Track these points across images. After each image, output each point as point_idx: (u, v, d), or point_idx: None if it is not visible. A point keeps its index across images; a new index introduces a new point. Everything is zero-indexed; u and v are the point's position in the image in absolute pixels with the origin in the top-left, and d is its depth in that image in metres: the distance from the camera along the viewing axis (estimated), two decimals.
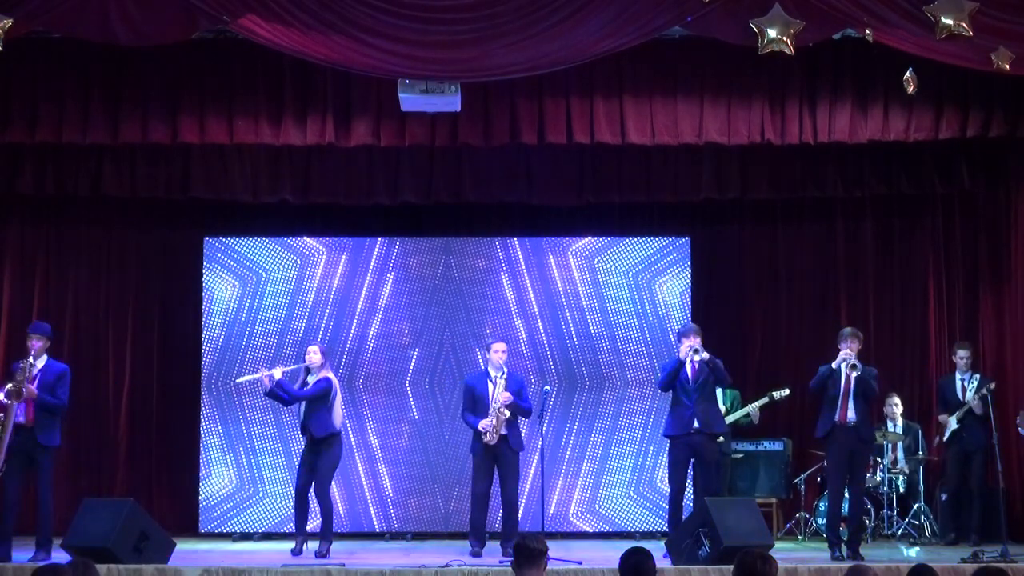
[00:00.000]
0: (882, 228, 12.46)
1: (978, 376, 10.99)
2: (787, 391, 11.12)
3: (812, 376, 10.03)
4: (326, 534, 10.01)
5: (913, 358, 12.33)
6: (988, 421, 10.61)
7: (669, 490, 10.15)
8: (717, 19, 9.22)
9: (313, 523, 10.32)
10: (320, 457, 10.05)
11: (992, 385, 10.68)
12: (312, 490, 10.09)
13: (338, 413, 10.19)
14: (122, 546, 8.80)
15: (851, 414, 9.75)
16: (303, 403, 10.13)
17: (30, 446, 9.56)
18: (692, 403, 9.93)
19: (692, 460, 9.99)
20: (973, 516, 10.79)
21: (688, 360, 9.92)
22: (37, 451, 9.61)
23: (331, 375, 10.22)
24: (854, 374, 9.72)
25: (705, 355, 9.88)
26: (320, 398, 10.05)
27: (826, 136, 10.42)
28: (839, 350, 9.88)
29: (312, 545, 10.01)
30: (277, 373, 10.20)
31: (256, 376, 10.48)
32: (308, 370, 10.24)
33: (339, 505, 11.78)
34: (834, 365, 9.82)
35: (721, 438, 10.49)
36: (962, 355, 11.08)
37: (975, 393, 10.81)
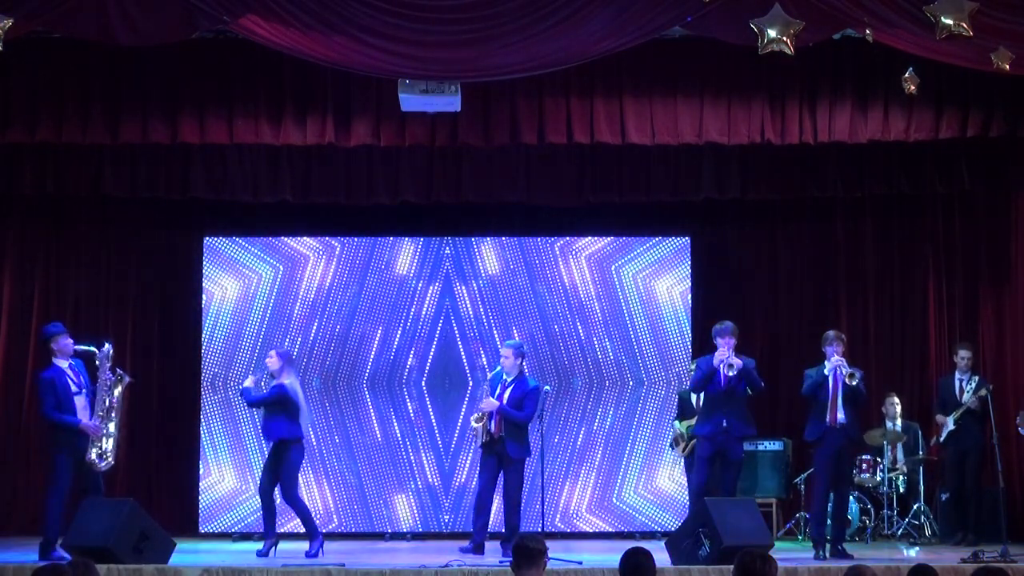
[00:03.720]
0: (882, 228, 12.46)
1: (977, 377, 10.99)
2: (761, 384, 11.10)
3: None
4: (312, 534, 9.99)
5: (913, 358, 12.33)
6: (985, 421, 10.65)
7: (689, 485, 10.18)
8: (717, 19, 9.22)
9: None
10: (280, 462, 10.07)
11: (990, 387, 10.67)
12: (281, 496, 10.13)
13: (303, 418, 10.18)
14: (122, 546, 8.80)
15: (841, 416, 9.82)
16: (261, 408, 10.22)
17: None
18: (722, 404, 9.97)
19: (717, 459, 10.00)
20: (970, 516, 10.80)
21: (721, 367, 9.94)
22: None
23: (288, 381, 10.11)
24: (853, 382, 9.78)
25: (738, 364, 9.88)
26: (274, 404, 10.06)
27: (826, 136, 10.42)
28: (825, 354, 9.96)
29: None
30: (248, 382, 10.24)
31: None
32: (272, 375, 10.22)
33: (337, 505, 11.83)
34: (827, 371, 9.87)
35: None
36: (963, 355, 11.08)
37: (973, 394, 10.81)
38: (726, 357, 9.90)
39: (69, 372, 9.77)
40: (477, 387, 11.67)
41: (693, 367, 10.48)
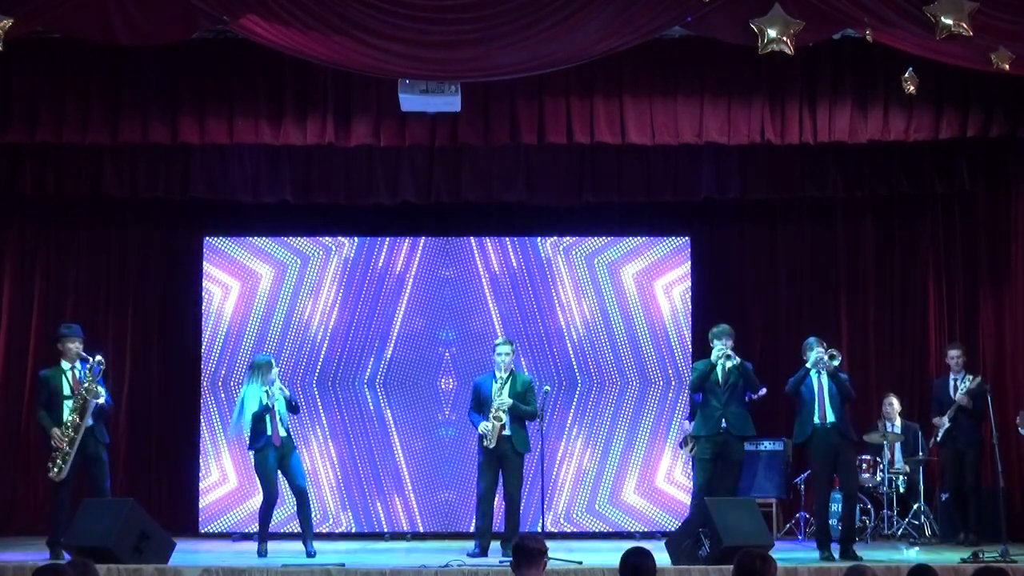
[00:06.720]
0: (882, 228, 12.46)
1: (971, 376, 10.99)
2: (764, 390, 11.09)
3: None
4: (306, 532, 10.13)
5: (913, 358, 12.34)
6: (979, 419, 10.68)
7: (692, 487, 10.18)
8: (717, 19, 9.23)
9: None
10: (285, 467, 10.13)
11: (978, 381, 10.69)
12: (293, 490, 10.18)
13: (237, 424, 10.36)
14: (122, 546, 8.79)
15: (830, 415, 9.82)
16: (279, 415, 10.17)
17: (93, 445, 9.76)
18: (721, 404, 9.99)
19: (718, 460, 10.01)
20: (970, 516, 10.80)
21: (719, 364, 9.94)
22: (100, 448, 9.82)
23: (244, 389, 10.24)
24: (836, 361, 9.81)
25: (736, 360, 9.90)
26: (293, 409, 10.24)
27: (826, 136, 10.42)
28: (806, 359, 9.99)
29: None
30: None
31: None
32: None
33: (337, 505, 11.83)
34: (809, 363, 9.88)
35: None
36: (953, 355, 11.11)
37: (965, 391, 10.82)
38: (724, 352, 9.91)
39: (68, 375, 9.74)
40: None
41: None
